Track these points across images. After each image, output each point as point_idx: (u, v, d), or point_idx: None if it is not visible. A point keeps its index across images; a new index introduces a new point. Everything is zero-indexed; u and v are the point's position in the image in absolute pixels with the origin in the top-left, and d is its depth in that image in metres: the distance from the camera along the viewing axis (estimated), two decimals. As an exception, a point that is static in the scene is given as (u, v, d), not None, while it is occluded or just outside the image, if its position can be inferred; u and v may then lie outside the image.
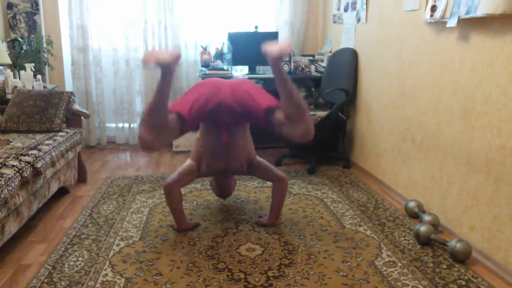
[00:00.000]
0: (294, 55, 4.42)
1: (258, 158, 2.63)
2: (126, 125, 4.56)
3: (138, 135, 2.12)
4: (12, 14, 4.07)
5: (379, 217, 2.70)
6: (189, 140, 4.29)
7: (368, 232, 2.47)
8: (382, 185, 3.27)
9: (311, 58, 4.40)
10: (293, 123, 2.08)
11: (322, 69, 4.17)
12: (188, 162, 2.56)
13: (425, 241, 2.31)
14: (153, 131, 2.08)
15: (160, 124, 2.09)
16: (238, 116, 2.33)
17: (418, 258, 2.18)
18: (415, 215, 2.66)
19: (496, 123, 2.07)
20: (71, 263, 2.12)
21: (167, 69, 1.99)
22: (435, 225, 2.46)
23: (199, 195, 3.06)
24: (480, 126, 2.18)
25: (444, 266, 2.11)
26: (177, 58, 1.99)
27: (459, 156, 2.36)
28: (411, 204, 2.69)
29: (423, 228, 2.31)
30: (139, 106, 4.58)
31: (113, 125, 4.59)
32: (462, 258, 2.13)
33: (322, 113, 3.62)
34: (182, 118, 2.22)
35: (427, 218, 2.48)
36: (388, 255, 2.20)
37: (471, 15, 2.12)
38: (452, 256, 2.16)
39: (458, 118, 2.36)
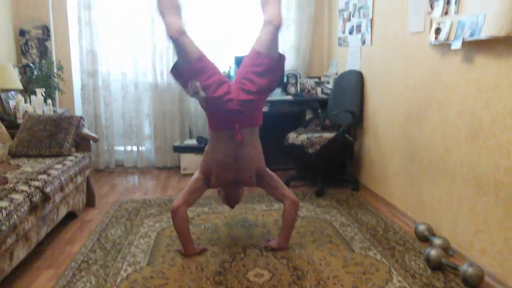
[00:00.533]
0: (300, 77, 4.46)
1: (269, 170, 2.60)
2: (135, 148, 4.60)
3: (165, 24, 2.34)
4: (24, 41, 4.17)
5: (389, 240, 2.67)
6: (196, 163, 4.31)
7: (378, 257, 2.44)
8: (391, 207, 3.24)
9: (317, 80, 4.44)
10: (264, 8, 2.43)
11: (328, 91, 4.20)
12: (196, 176, 2.55)
13: (436, 266, 2.27)
14: (177, 14, 2.36)
15: (179, 11, 2.38)
16: (251, 106, 2.40)
17: (430, 283, 2.14)
18: (425, 239, 2.62)
19: (504, 145, 2.05)
20: (79, 289, 2.12)
21: None
22: (446, 248, 2.42)
23: (207, 219, 3.05)
24: (487, 147, 2.17)
25: (456, 291, 2.07)
26: None
27: (467, 178, 2.34)
28: (421, 227, 2.66)
29: (433, 252, 2.28)
30: (147, 129, 4.62)
31: (122, 148, 4.63)
32: (475, 283, 2.09)
33: (329, 135, 3.62)
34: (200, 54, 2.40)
35: (437, 241, 2.44)
36: (398, 281, 2.17)
37: (475, 38, 2.13)
38: (464, 281, 2.12)
39: (465, 139, 2.35)
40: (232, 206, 2.80)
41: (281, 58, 2.46)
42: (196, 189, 2.51)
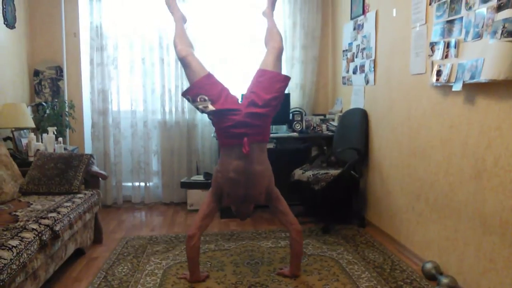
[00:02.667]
0: (305, 114, 4.55)
1: (278, 192, 2.70)
2: (142, 184, 4.65)
3: (177, 48, 2.65)
4: (38, 80, 4.31)
5: (396, 279, 2.65)
6: (202, 199, 4.33)
7: (385, 296, 2.42)
8: (397, 244, 3.23)
9: (322, 117, 4.52)
10: (267, 44, 2.72)
11: (333, 128, 4.27)
12: (207, 199, 2.68)
13: (444, 306, 2.25)
14: (188, 44, 2.69)
15: (188, 41, 2.74)
16: (258, 119, 2.52)
17: (438, 324, 2.12)
18: (432, 277, 2.61)
19: (508, 185, 2.08)
20: (85, 329, 2.12)
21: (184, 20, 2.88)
22: (453, 287, 2.41)
23: (213, 256, 3.06)
24: (492, 187, 2.20)
25: (465, 333, 2.04)
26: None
27: (473, 217, 2.35)
28: (428, 266, 2.65)
29: (441, 292, 2.27)
30: (155, 165, 4.69)
31: (130, 184, 4.68)
32: (484, 324, 2.07)
33: (334, 171, 3.66)
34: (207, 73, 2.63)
35: (444, 280, 2.43)
36: (406, 321, 2.15)
37: (475, 80, 2.20)
38: (473, 322, 2.10)
39: (469, 179, 2.38)
40: (242, 219, 2.87)
41: (286, 76, 2.68)
42: (209, 212, 2.64)
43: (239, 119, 2.47)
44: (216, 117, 2.54)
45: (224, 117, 2.50)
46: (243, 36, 4.66)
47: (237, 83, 4.63)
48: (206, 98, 2.50)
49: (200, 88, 2.53)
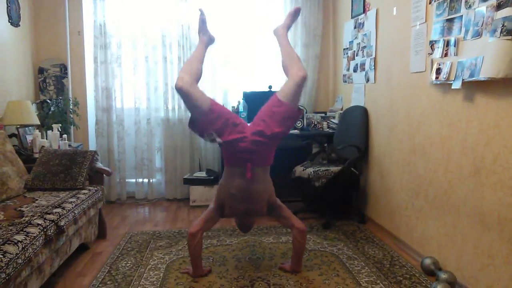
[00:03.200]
0: (306, 112, 4.58)
1: (279, 201, 2.78)
2: (146, 180, 4.70)
3: (178, 76, 2.47)
4: (42, 78, 4.36)
5: (395, 274, 2.69)
6: (205, 195, 4.39)
7: (384, 291, 2.46)
8: (397, 240, 3.27)
9: (323, 115, 4.54)
10: (290, 68, 2.56)
11: (334, 125, 4.30)
12: (211, 206, 2.75)
13: (442, 301, 2.29)
14: (191, 75, 2.50)
15: (196, 70, 2.56)
16: (263, 147, 2.54)
17: (436, 319, 2.15)
18: (431, 273, 2.64)
19: (506, 182, 2.11)
20: (90, 321, 2.16)
21: (205, 40, 2.77)
22: (452, 283, 2.44)
23: (215, 251, 3.10)
24: (490, 184, 2.23)
25: (462, 327, 2.08)
26: (213, 39, 2.83)
27: (472, 214, 2.38)
28: (427, 261, 2.68)
29: (439, 287, 2.30)
30: (158, 162, 4.74)
31: (133, 180, 4.73)
32: (481, 318, 2.10)
33: (335, 168, 3.69)
34: (210, 103, 2.55)
35: (443, 276, 2.46)
36: (404, 315, 2.19)
37: (474, 78, 2.23)
38: (470, 316, 2.13)
39: (468, 176, 2.41)
40: (244, 232, 2.96)
41: (299, 111, 2.63)
42: (211, 217, 2.71)
43: (245, 146, 2.51)
44: (223, 146, 2.61)
45: (231, 146, 2.55)
46: (246, 36, 4.70)
47: (240, 83, 4.68)
48: (213, 133, 2.55)
49: (206, 125, 2.54)
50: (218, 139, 2.52)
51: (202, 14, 2.80)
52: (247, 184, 2.56)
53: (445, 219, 2.64)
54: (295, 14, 2.81)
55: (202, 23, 2.80)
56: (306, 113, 4.54)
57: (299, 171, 3.87)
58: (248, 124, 2.62)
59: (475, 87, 2.33)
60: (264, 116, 2.56)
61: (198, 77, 2.57)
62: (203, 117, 2.52)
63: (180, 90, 2.43)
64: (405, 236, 3.17)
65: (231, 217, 2.79)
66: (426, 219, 2.87)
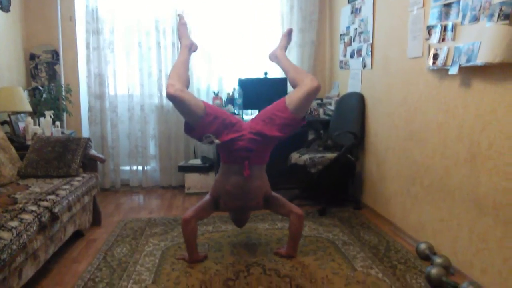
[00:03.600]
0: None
1: (274, 193, 2.80)
2: (140, 167, 4.67)
3: (167, 84, 2.43)
4: (34, 64, 4.29)
5: (390, 259, 2.70)
6: (200, 183, 4.38)
7: (380, 275, 2.47)
8: (392, 226, 3.28)
9: (319, 101, 4.53)
10: (302, 82, 2.51)
11: (330, 112, 4.28)
12: (207, 198, 2.76)
13: (436, 284, 2.31)
14: (180, 81, 2.47)
15: (184, 76, 2.56)
16: (261, 146, 2.54)
17: (431, 303, 2.17)
18: (426, 257, 2.66)
19: (502, 167, 2.12)
20: (86, 307, 2.16)
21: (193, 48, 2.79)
22: (447, 267, 2.46)
23: (211, 238, 3.10)
24: (486, 170, 2.23)
25: (457, 311, 2.09)
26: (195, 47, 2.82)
27: (467, 199, 2.39)
28: (422, 246, 2.70)
29: (434, 271, 2.32)
30: (152, 149, 4.71)
31: (127, 168, 4.70)
32: (475, 302, 2.12)
33: (331, 155, 3.69)
34: (205, 108, 2.50)
35: (438, 260, 2.48)
36: (400, 299, 2.20)
37: (471, 63, 2.21)
38: (464, 300, 2.15)
39: (464, 162, 2.41)
40: (239, 226, 2.99)
41: (303, 121, 2.60)
42: (206, 208, 2.72)
43: (242, 144, 2.52)
44: (221, 146, 2.59)
45: (229, 144, 2.54)
46: (242, 22, 4.64)
47: (235, 70, 4.64)
48: (211, 135, 2.53)
49: (203, 129, 2.52)
50: (216, 140, 2.51)
51: (181, 18, 2.78)
52: (244, 181, 2.58)
53: (441, 204, 2.65)
54: (288, 35, 2.87)
55: (183, 28, 2.79)
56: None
57: (295, 158, 3.86)
58: (247, 121, 2.62)
59: (472, 73, 2.32)
60: (265, 117, 2.56)
61: (187, 83, 2.56)
62: (199, 121, 2.49)
63: (172, 97, 2.38)
64: (401, 222, 3.18)
65: (226, 211, 2.83)
66: (422, 205, 2.88)
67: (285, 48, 2.85)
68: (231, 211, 2.83)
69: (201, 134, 2.53)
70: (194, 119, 2.50)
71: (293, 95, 2.54)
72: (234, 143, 2.52)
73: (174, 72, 2.55)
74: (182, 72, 2.56)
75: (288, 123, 2.54)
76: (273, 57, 2.85)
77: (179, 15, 2.84)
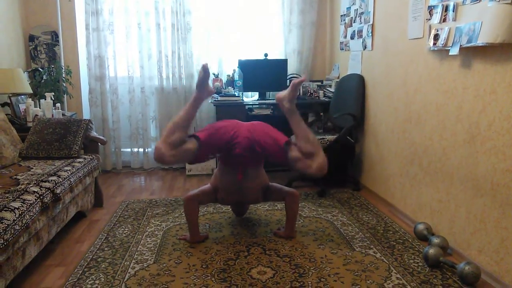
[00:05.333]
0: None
1: (271, 184, 2.86)
2: (141, 150, 4.69)
3: (155, 146, 2.44)
4: (33, 46, 4.27)
5: (388, 239, 2.74)
6: (200, 165, 4.40)
7: (378, 255, 2.51)
8: (391, 207, 3.31)
9: (319, 83, 4.51)
10: (310, 157, 2.43)
11: (330, 94, 4.27)
12: (208, 186, 2.83)
13: (434, 264, 2.34)
14: (171, 145, 2.42)
15: (178, 140, 2.44)
16: (255, 154, 2.58)
17: (428, 281, 2.21)
18: (424, 238, 2.69)
19: (500, 148, 2.12)
20: (88, 286, 2.20)
21: (202, 97, 2.61)
22: (444, 247, 2.49)
23: (211, 218, 3.13)
24: (484, 150, 2.24)
25: (453, 289, 2.13)
26: (211, 94, 2.71)
27: (465, 180, 2.41)
28: (420, 227, 2.73)
29: (432, 251, 2.35)
30: (153, 131, 4.72)
31: (128, 150, 4.72)
32: (471, 281, 2.15)
33: (330, 137, 3.70)
34: (199, 142, 2.52)
35: (436, 240, 2.51)
36: (397, 278, 2.24)
37: (472, 44, 2.20)
38: (461, 279, 2.19)
39: (463, 143, 2.42)
40: (239, 216, 3.10)
41: (282, 150, 2.53)
42: (207, 193, 2.79)
43: (237, 151, 2.56)
44: (221, 156, 2.76)
45: (226, 152, 2.63)
46: (242, 3, 4.59)
47: (235, 51, 4.61)
48: (210, 155, 2.80)
49: (203, 157, 2.69)
50: (218, 154, 2.79)
51: (206, 71, 2.56)
52: (240, 182, 2.66)
53: (439, 185, 2.67)
54: (298, 84, 2.57)
55: (204, 79, 2.59)
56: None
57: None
58: (240, 130, 2.60)
59: (472, 53, 2.31)
60: (259, 138, 2.55)
61: (177, 146, 2.45)
62: (197, 154, 2.57)
63: (159, 162, 2.47)
64: (399, 203, 3.21)
65: (224, 204, 2.93)
66: (420, 186, 2.90)
67: (294, 100, 2.60)
68: (228, 203, 2.93)
69: (204, 160, 2.76)
70: (192, 157, 2.58)
71: (298, 162, 2.47)
72: (230, 152, 2.58)
73: (167, 134, 2.44)
74: (176, 136, 2.43)
75: (274, 156, 2.59)
76: (281, 105, 2.61)
77: (204, 65, 2.57)
